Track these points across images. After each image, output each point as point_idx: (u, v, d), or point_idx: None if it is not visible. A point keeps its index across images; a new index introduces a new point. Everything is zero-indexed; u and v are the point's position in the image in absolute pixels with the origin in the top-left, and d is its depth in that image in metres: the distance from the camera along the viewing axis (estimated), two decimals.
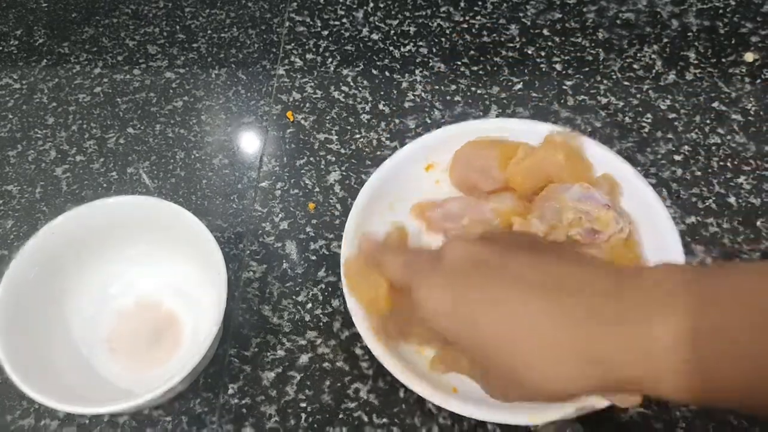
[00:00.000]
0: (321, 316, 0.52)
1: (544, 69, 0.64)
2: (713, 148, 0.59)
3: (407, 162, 0.54)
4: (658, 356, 0.30)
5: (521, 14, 0.69)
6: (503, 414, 0.43)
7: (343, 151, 0.60)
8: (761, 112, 0.61)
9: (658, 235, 0.49)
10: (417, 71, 0.65)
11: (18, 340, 0.44)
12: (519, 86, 0.63)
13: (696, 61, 0.64)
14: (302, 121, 0.62)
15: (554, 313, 0.33)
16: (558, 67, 0.64)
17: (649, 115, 0.61)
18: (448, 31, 0.68)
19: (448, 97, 0.63)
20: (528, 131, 0.54)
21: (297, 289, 0.53)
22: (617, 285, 0.33)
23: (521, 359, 0.34)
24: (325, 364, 0.50)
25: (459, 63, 0.65)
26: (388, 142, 0.60)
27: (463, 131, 0.55)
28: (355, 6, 0.70)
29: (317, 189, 0.58)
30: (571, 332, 0.33)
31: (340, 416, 0.48)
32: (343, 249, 0.49)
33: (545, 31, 0.67)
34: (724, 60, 0.64)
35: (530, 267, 0.35)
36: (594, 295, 0.33)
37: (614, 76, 0.64)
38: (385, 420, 0.47)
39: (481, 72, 0.64)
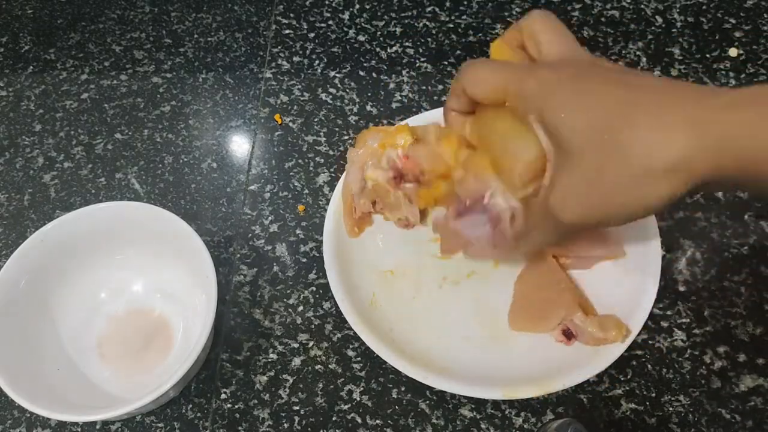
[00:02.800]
0: (312, 318, 0.52)
1: None
2: None
3: None
4: None
5: (506, 13, 0.69)
6: (478, 389, 0.44)
7: (331, 152, 0.60)
8: None
9: None
10: (404, 72, 0.65)
11: (8, 349, 0.44)
12: None
13: (681, 57, 0.65)
14: (290, 124, 0.62)
15: (667, 90, 0.32)
16: None
17: None
18: (434, 32, 0.68)
19: (435, 97, 0.63)
20: None
21: (288, 291, 0.53)
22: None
23: (632, 122, 0.32)
24: (318, 367, 0.50)
25: (446, 63, 0.65)
26: None
27: (426, 120, 0.55)
28: (341, 8, 0.70)
29: (306, 191, 0.58)
30: (687, 104, 0.31)
31: (334, 418, 0.48)
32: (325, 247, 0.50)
33: None
34: (708, 55, 0.65)
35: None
36: (705, 90, 0.32)
37: None
38: (378, 421, 0.47)
39: None
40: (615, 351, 0.45)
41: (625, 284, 0.48)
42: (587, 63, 0.37)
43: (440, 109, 0.57)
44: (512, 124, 0.38)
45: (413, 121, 0.56)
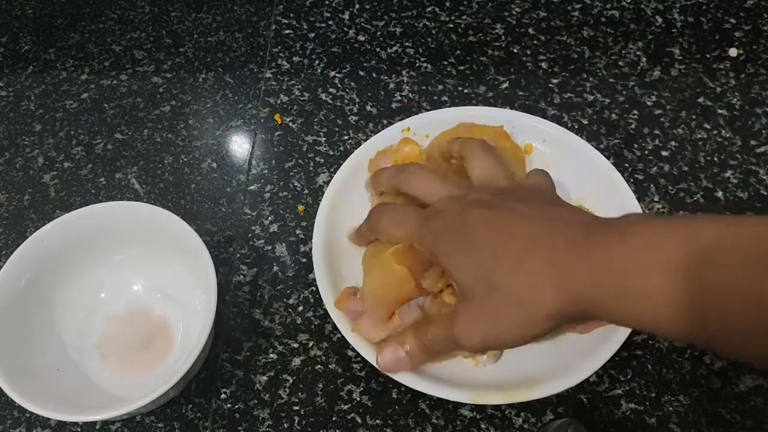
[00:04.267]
0: (312, 318, 0.52)
1: (530, 67, 0.65)
2: (700, 143, 0.59)
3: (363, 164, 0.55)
4: (656, 276, 0.32)
5: (506, 13, 0.69)
6: (446, 390, 0.45)
7: (331, 152, 0.60)
8: (746, 107, 0.61)
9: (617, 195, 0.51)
10: (404, 72, 0.65)
11: (8, 349, 0.44)
12: (505, 85, 0.63)
13: (681, 57, 0.65)
14: (290, 124, 0.62)
15: (542, 236, 0.38)
16: (544, 65, 0.65)
17: (635, 112, 0.61)
18: (434, 32, 0.68)
19: (435, 97, 0.63)
20: (486, 117, 0.56)
21: (288, 291, 0.53)
22: (603, 220, 0.38)
23: (504, 271, 0.38)
24: (318, 367, 0.50)
25: (445, 63, 0.65)
26: None
27: (414, 124, 0.56)
28: (341, 8, 0.70)
29: (306, 191, 0.58)
30: (557, 253, 0.36)
31: (334, 418, 0.48)
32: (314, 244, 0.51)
33: (531, 30, 0.67)
34: (708, 55, 0.65)
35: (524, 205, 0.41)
36: (581, 225, 0.37)
37: (600, 74, 0.64)
38: (378, 421, 0.47)
39: (467, 72, 0.65)
40: (595, 362, 0.45)
41: None
42: (467, 204, 0.42)
43: (440, 110, 0.57)
44: None
45: (412, 121, 0.56)
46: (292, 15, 0.70)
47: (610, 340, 0.46)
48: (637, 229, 0.34)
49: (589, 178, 0.52)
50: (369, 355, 0.46)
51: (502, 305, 0.38)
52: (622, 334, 0.46)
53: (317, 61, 0.66)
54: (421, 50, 0.66)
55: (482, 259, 0.39)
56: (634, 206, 0.50)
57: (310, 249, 0.52)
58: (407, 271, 0.45)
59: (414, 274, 0.45)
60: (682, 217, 0.34)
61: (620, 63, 0.65)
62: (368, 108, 0.62)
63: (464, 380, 0.46)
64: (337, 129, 0.61)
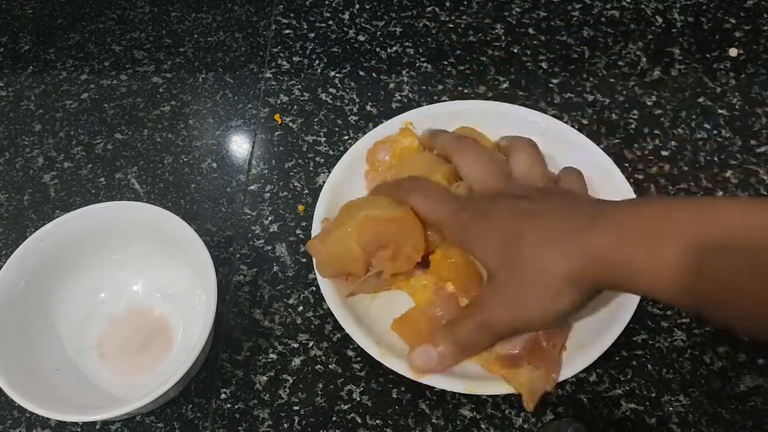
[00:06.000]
0: (312, 318, 0.52)
1: (530, 67, 0.65)
2: (700, 143, 0.59)
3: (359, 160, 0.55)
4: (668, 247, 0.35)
5: (506, 13, 0.69)
6: (440, 380, 0.45)
7: (331, 152, 0.60)
8: (746, 107, 0.61)
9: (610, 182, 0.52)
10: (404, 72, 0.65)
11: (8, 349, 0.44)
12: (506, 85, 0.63)
13: (681, 57, 0.65)
14: (290, 124, 0.62)
15: (562, 221, 0.41)
16: (544, 65, 0.65)
17: (635, 112, 0.61)
18: (434, 32, 0.68)
19: (435, 97, 0.63)
20: (483, 111, 0.56)
21: (288, 291, 0.53)
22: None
23: (526, 251, 0.41)
24: (318, 367, 0.50)
25: (445, 63, 0.65)
26: None
27: (414, 118, 0.56)
28: (341, 8, 0.70)
29: (306, 191, 0.58)
30: (572, 228, 0.40)
31: (334, 418, 0.48)
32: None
33: (531, 30, 0.67)
34: (708, 55, 0.65)
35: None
36: (597, 205, 0.42)
37: (600, 74, 0.64)
38: (378, 421, 0.47)
39: (467, 72, 0.65)
40: (592, 353, 0.45)
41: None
42: (491, 197, 0.46)
43: (440, 104, 0.58)
44: None
45: (411, 115, 0.56)
46: (292, 15, 0.70)
47: (602, 336, 0.46)
48: (655, 205, 0.38)
49: (587, 172, 0.52)
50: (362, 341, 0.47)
51: (524, 283, 0.41)
52: (617, 328, 0.46)
53: (317, 61, 0.66)
54: (421, 50, 0.66)
55: (507, 245, 0.42)
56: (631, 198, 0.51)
57: None
58: (360, 252, 0.46)
59: (366, 252, 0.46)
60: (692, 200, 0.39)
61: (620, 63, 0.65)
62: (368, 108, 0.62)
63: (462, 371, 0.46)
64: (337, 129, 0.61)
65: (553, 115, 0.60)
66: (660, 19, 0.68)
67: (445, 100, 0.62)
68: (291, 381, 0.49)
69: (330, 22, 0.69)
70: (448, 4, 0.70)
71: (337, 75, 0.65)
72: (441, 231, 0.48)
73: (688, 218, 0.35)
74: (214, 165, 0.60)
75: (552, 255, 0.40)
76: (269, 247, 0.55)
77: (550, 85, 0.63)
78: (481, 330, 0.43)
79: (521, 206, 0.44)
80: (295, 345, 0.51)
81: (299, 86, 0.64)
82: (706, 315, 0.37)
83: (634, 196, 0.51)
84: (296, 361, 0.50)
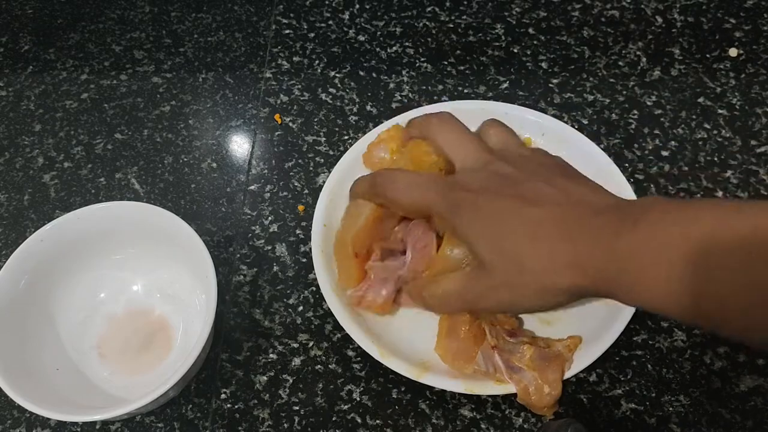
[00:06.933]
0: (312, 318, 0.52)
1: (530, 67, 0.65)
2: (700, 143, 0.59)
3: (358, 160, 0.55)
4: (663, 257, 0.34)
5: (506, 13, 0.69)
6: (440, 380, 0.46)
7: (331, 152, 0.60)
8: (746, 107, 0.61)
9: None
10: (404, 72, 0.65)
11: (8, 349, 0.44)
12: (506, 85, 0.63)
13: (681, 57, 0.65)
14: (290, 124, 0.62)
15: (563, 217, 0.40)
16: (544, 65, 0.65)
17: (635, 112, 0.61)
18: (434, 32, 0.68)
19: (435, 97, 0.63)
20: (483, 111, 0.56)
21: (288, 291, 0.53)
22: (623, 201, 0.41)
23: (528, 245, 0.40)
24: (318, 367, 0.50)
25: (445, 63, 0.65)
26: None
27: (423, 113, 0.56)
28: (341, 8, 0.70)
29: (306, 191, 0.58)
30: (575, 235, 0.39)
31: (334, 419, 0.48)
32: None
33: (531, 30, 0.67)
34: (708, 55, 0.65)
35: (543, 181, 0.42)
36: (600, 211, 0.39)
37: (600, 74, 0.64)
38: (378, 421, 0.47)
39: (467, 71, 0.65)
40: (592, 353, 0.46)
41: None
42: (479, 171, 0.44)
43: (438, 105, 0.57)
44: None
45: (411, 115, 0.56)
46: (292, 15, 0.70)
47: (603, 336, 0.46)
48: (650, 217, 0.36)
49: (587, 172, 0.52)
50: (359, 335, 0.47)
51: (520, 274, 0.40)
52: (617, 328, 0.46)
53: (317, 61, 0.66)
54: (421, 50, 0.66)
55: (503, 232, 0.40)
56: (631, 198, 0.51)
57: (310, 249, 0.52)
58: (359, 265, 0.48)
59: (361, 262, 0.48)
60: (690, 203, 0.36)
61: (620, 63, 0.65)
62: (368, 108, 0.62)
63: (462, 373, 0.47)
64: (337, 129, 0.61)
65: (553, 115, 0.60)
66: (660, 19, 0.68)
67: (445, 100, 0.62)
68: (291, 381, 0.49)
69: (330, 22, 0.69)
70: (448, 4, 0.70)
71: (337, 75, 0.65)
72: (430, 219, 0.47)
73: (682, 225, 0.34)
74: (214, 165, 0.60)
75: (554, 260, 0.39)
76: (269, 247, 0.55)
77: (550, 85, 0.63)
78: (458, 302, 0.44)
79: (511, 178, 0.42)
80: (295, 345, 0.51)
81: (299, 86, 0.64)
82: (716, 329, 0.36)
83: (634, 196, 0.51)
84: (296, 361, 0.50)
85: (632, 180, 0.57)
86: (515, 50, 0.66)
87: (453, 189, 0.44)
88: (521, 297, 0.41)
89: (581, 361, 0.46)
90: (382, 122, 0.58)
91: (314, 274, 0.51)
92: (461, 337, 0.46)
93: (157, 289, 0.52)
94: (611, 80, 0.63)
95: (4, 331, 0.45)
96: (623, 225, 0.37)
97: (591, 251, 0.37)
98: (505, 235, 0.40)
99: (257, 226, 0.56)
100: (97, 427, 0.48)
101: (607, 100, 0.62)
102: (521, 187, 0.42)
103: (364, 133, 0.58)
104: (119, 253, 0.51)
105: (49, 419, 0.48)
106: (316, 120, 0.62)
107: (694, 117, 0.61)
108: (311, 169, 0.59)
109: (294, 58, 0.66)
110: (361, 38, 0.68)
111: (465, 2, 0.70)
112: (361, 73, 0.65)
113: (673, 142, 0.59)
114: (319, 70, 0.65)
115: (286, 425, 0.48)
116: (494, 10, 0.69)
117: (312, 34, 0.68)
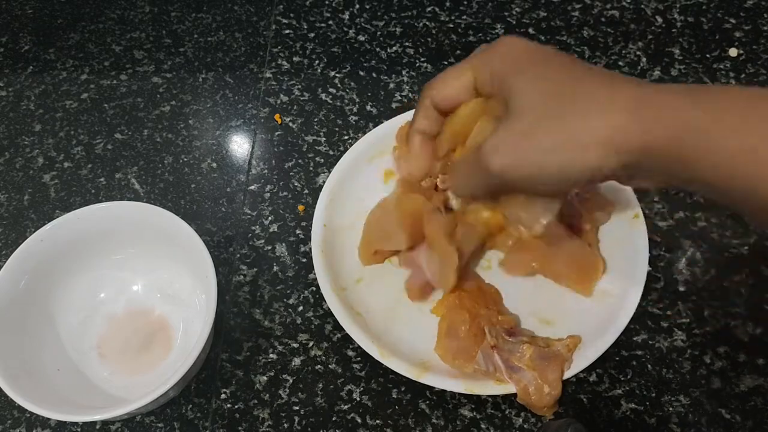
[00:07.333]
0: (312, 318, 0.52)
1: None
2: None
3: (360, 158, 0.56)
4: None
5: (506, 13, 0.69)
6: (440, 380, 0.46)
7: (331, 152, 0.60)
8: None
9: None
10: (404, 72, 0.65)
11: (8, 349, 0.44)
12: None
13: (681, 57, 0.65)
14: (290, 124, 0.62)
15: (614, 74, 0.36)
16: None
17: None
18: (434, 32, 0.68)
19: None
20: None
21: (288, 291, 0.53)
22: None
23: (577, 94, 0.35)
24: (318, 367, 0.50)
25: (445, 63, 0.65)
26: None
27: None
28: (341, 8, 0.70)
29: (306, 191, 0.58)
30: (629, 85, 0.35)
31: (334, 418, 0.48)
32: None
33: (531, 30, 0.67)
34: (708, 55, 0.65)
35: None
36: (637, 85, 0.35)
37: None
38: (378, 421, 0.47)
39: None
40: (592, 353, 0.46)
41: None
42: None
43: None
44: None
45: (411, 115, 0.56)
46: (292, 15, 0.70)
47: (603, 336, 0.46)
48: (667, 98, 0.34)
49: None
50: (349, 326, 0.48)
51: (554, 129, 0.35)
52: (617, 327, 0.47)
53: (317, 61, 0.66)
54: (421, 50, 0.66)
55: (556, 84, 0.36)
56: (631, 198, 0.51)
57: (310, 249, 0.52)
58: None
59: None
60: (700, 89, 0.34)
61: (620, 63, 0.65)
62: (368, 108, 0.62)
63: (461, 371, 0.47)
64: (337, 129, 0.61)
65: None
66: (660, 19, 0.68)
67: None
68: (291, 381, 0.49)
69: (330, 22, 0.69)
70: (448, 4, 0.70)
71: (337, 75, 0.65)
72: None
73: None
74: (214, 165, 0.60)
75: (589, 114, 0.35)
76: (269, 247, 0.55)
77: None
78: (474, 167, 0.39)
79: (565, 56, 0.39)
80: (295, 345, 0.51)
81: (299, 86, 0.64)
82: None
83: (634, 198, 0.51)
84: (296, 361, 0.50)
85: None
86: None
87: (492, 55, 0.40)
88: (544, 145, 0.35)
89: (581, 361, 0.46)
90: (382, 122, 0.58)
91: (314, 274, 0.51)
92: (461, 336, 0.46)
93: (157, 289, 0.52)
94: None
95: (4, 331, 0.45)
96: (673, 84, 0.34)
97: (628, 120, 0.34)
98: (551, 84, 0.36)
99: (257, 226, 0.56)
100: (97, 427, 0.48)
101: None
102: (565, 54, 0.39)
103: (364, 133, 0.58)
104: (119, 253, 0.51)
105: (49, 419, 0.49)
106: (316, 120, 0.62)
107: None
108: (311, 169, 0.59)
109: (294, 58, 0.66)
110: (361, 38, 0.68)
111: (465, 2, 0.70)
112: (361, 73, 0.65)
113: None
114: (319, 70, 0.65)
115: (286, 425, 0.48)
116: (494, 10, 0.69)
117: (312, 34, 0.68)
